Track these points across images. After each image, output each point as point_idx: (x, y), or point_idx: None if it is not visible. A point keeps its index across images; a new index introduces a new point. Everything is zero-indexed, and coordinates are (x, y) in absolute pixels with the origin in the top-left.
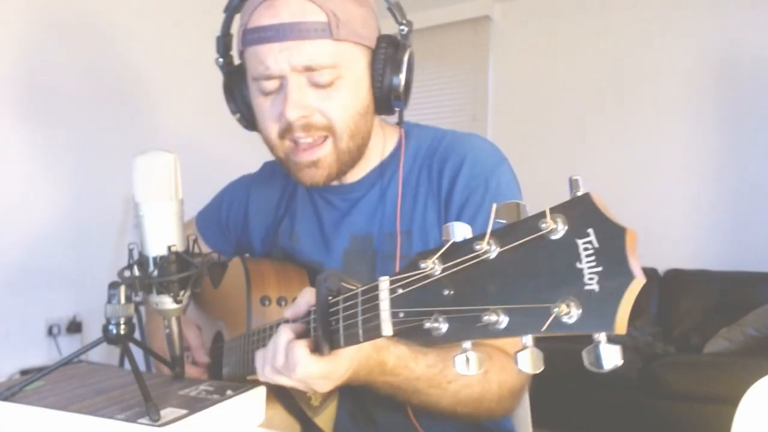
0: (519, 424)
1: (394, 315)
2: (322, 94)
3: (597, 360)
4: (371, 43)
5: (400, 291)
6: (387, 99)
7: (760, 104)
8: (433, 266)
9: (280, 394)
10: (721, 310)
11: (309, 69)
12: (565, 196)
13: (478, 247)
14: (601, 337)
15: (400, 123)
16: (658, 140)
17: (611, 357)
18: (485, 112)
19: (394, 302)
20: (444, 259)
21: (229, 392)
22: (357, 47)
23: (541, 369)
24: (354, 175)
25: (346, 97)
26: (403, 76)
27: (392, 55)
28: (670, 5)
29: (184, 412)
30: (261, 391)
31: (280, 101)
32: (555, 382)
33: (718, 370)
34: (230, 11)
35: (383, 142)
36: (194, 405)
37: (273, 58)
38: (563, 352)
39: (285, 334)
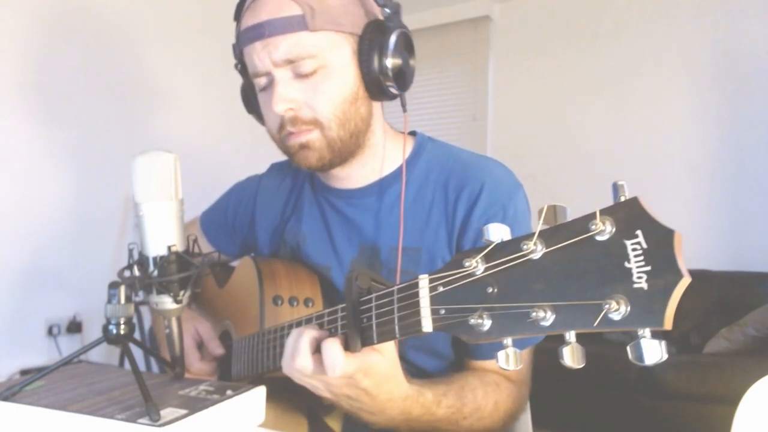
0: (519, 424)
1: (434, 312)
2: (309, 86)
3: (640, 355)
4: (356, 30)
5: (441, 289)
6: (377, 83)
7: (760, 103)
8: (476, 265)
9: (288, 392)
10: (721, 310)
11: (289, 62)
12: (563, 195)
13: (525, 246)
14: (646, 333)
15: (402, 105)
16: (658, 140)
17: (655, 352)
18: (485, 112)
19: (435, 299)
20: (487, 258)
21: (229, 392)
22: (338, 35)
23: (583, 364)
24: (359, 180)
25: (333, 87)
26: (389, 57)
27: (378, 38)
28: (671, 1)
29: (184, 412)
30: (261, 391)
31: (271, 96)
32: (555, 382)
33: (718, 370)
34: (239, 19)
35: (393, 149)
36: (194, 405)
37: (257, 56)
38: None
39: (309, 331)
